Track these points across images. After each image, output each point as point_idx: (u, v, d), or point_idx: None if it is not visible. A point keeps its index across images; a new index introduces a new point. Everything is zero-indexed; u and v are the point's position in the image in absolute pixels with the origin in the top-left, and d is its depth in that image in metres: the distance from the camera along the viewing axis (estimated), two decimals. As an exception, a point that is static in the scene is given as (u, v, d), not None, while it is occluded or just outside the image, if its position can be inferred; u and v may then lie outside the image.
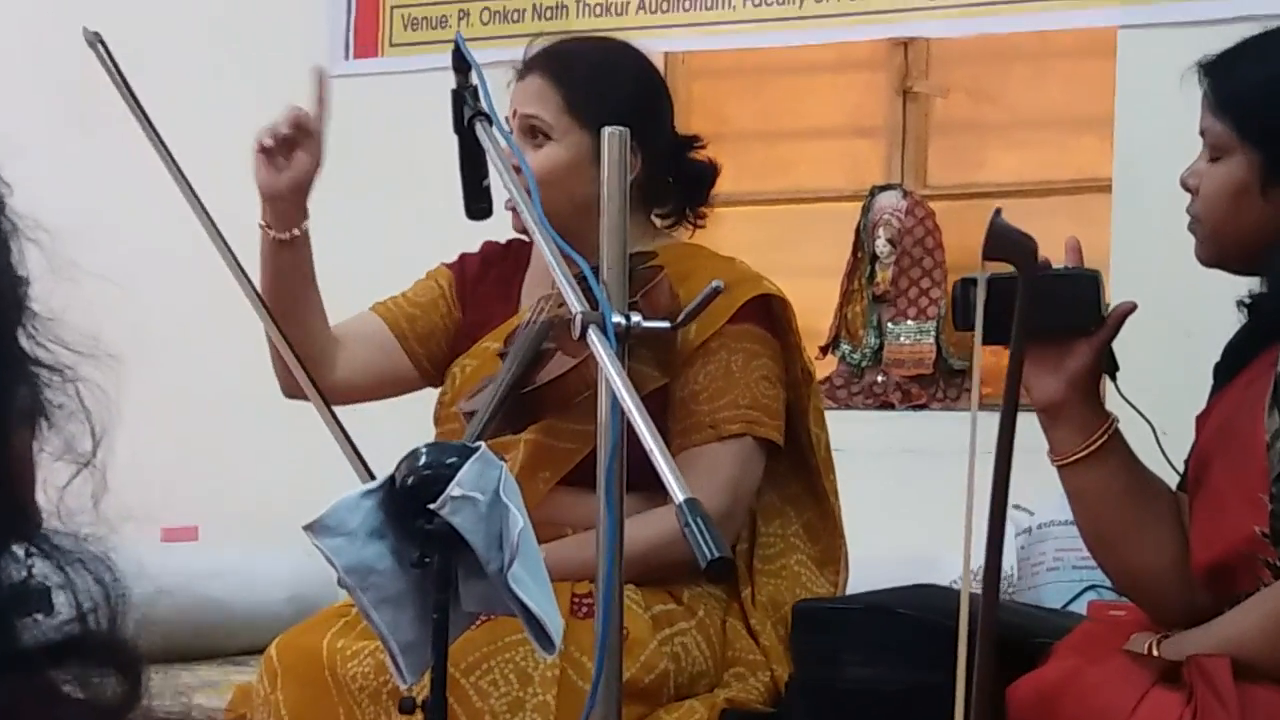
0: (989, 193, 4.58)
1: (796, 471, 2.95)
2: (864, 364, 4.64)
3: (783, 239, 4.82)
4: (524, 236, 2.91)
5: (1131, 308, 2.46)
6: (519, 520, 2.12)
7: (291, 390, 2.92)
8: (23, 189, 0.82)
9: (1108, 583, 2.86)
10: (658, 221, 2.96)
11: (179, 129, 4.94)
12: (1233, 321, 2.51)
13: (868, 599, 2.83)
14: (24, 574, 0.78)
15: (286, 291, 2.85)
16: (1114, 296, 2.53)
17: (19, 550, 0.77)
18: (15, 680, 0.74)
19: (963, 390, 4.54)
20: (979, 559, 1.76)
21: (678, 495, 1.91)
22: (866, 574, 3.02)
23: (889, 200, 4.62)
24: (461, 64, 2.56)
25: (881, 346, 4.62)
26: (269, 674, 2.71)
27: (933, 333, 4.56)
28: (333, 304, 2.96)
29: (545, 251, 2.34)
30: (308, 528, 2.17)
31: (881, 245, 4.59)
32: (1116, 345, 2.49)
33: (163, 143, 2.74)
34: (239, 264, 2.71)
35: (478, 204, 2.67)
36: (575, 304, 2.21)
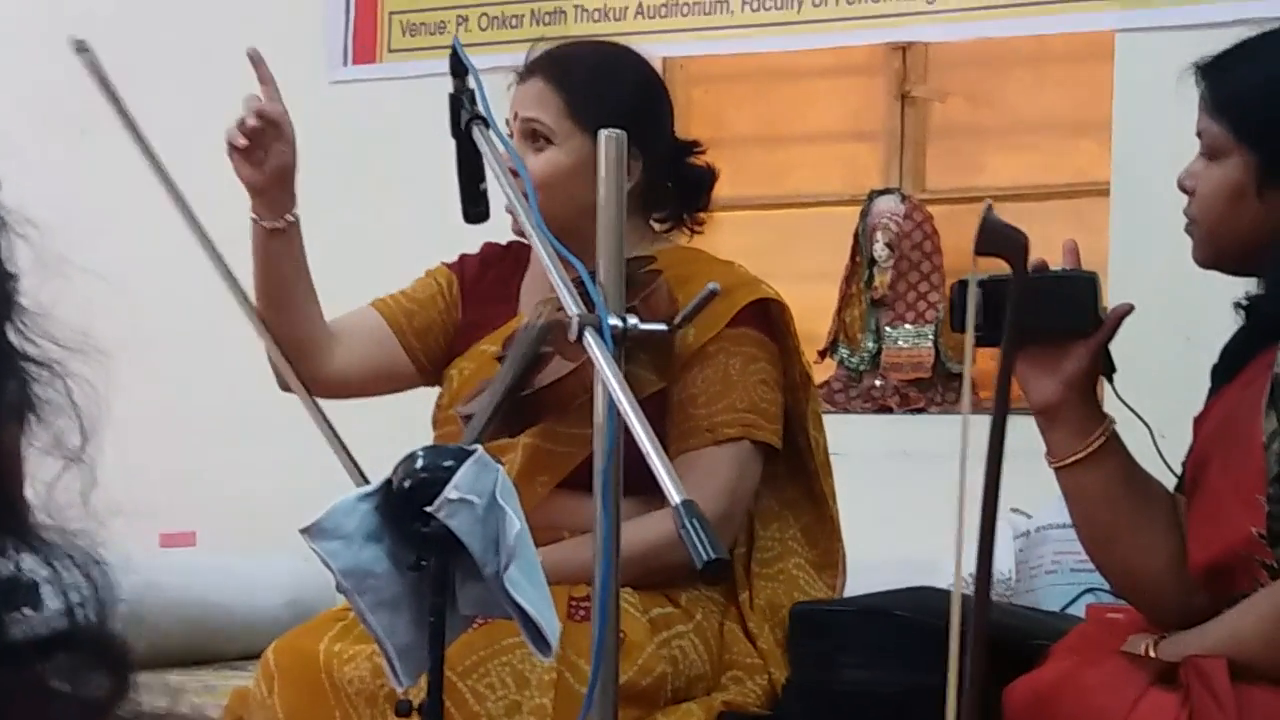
0: (987, 197, 4.57)
1: (795, 475, 2.95)
2: (862, 368, 4.65)
3: (781, 243, 4.83)
4: (524, 239, 2.92)
5: (1129, 309, 2.47)
6: (516, 523, 2.12)
7: (287, 383, 2.93)
8: (15, 185, 0.82)
9: (1106, 586, 2.86)
10: (656, 226, 2.96)
11: (177, 134, 4.95)
12: (1231, 325, 2.51)
13: (865, 601, 2.83)
14: (12, 569, 0.78)
15: (281, 280, 2.86)
16: (1112, 300, 2.53)
17: (7, 545, 0.78)
18: (3, 675, 0.74)
19: (961, 394, 4.54)
20: (974, 562, 1.76)
21: (674, 497, 1.91)
22: (865, 578, 3.02)
23: (887, 204, 4.63)
24: (459, 68, 2.56)
25: (880, 350, 4.62)
26: (266, 677, 2.71)
27: (931, 337, 4.56)
28: (331, 309, 2.96)
29: (542, 255, 2.35)
30: (304, 531, 2.17)
31: (880, 249, 4.59)
32: (1114, 348, 2.49)
33: (151, 150, 2.74)
34: (227, 267, 2.72)
35: (475, 208, 2.67)
36: (572, 307, 2.21)
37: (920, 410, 4.59)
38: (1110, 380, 2.52)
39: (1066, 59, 4.65)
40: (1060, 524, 3.52)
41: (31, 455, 0.80)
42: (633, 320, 2.24)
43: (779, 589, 2.89)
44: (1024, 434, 2.49)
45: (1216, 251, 2.49)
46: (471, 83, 2.56)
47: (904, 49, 4.74)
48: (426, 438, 2.88)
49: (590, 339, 2.17)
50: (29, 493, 0.80)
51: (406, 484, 2.16)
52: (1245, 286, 2.50)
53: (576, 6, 4.81)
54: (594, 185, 2.33)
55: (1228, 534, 2.35)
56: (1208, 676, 2.25)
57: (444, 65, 2.60)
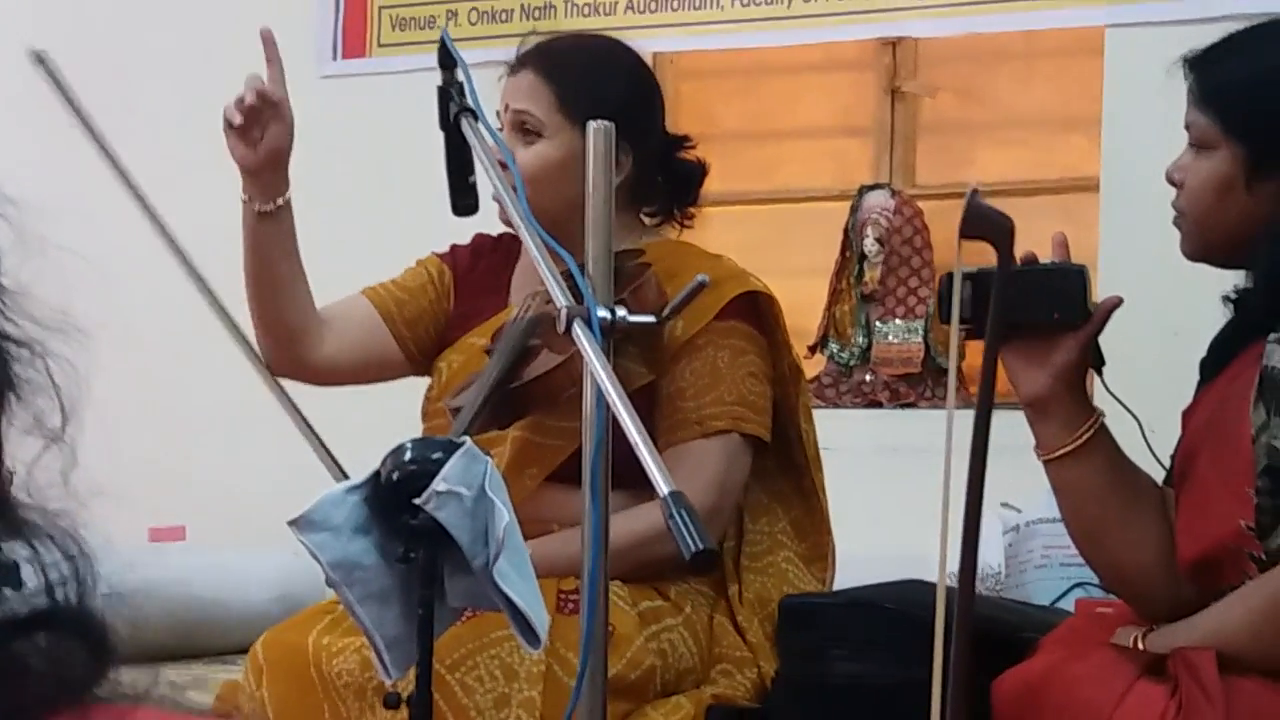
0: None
1: (784, 468, 2.95)
2: (852, 363, 4.64)
3: (771, 239, 4.82)
4: (512, 229, 2.91)
5: (1118, 302, 2.47)
6: (504, 515, 2.12)
7: (278, 367, 2.93)
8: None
9: (1095, 580, 2.87)
10: (646, 220, 2.96)
11: (166, 128, 4.96)
12: (1219, 319, 2.51)
13: (854, 594, 2.83)
14: None
15: (271, 263, 2.86)
16: (1101, 295, 2.53)
17: None
18: (-17, 653, 0.74)
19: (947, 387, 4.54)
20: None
21: (662, 488, 1.91)
22: (854, 571, 3.01)
23: (877, 200, 4.62)
24: (447, 60, 2.56)
25: (870, 345, 4.62)
26: (254, 671, 2.71)
27: (921, 332, 4.56)
28: (321, 304, 2.96)
29: (531, 247, 2.35)
30: (293, 523, 2.17)
31: (870, 245, 4.59)
32: (1103, 342, 2.49)
33: (114, 157, 2.75)
34: (196, 270, 2.74)
35: (464, 200, 2.67)
36: (560, 299, 2.21)
37: (910, 405, 4.59)
38: (1099, 373, 2.52)
39: (1056, 54, 4.65)
40: (1050, 519, 3.53)
41: (11, 435, 0.80)
42: (621, 312, 2.24)
43: (768, 582, 2.89)
44: (1013, 428, 2.49)
45: (1205, 244, 2.50)
46: (460, 75, 2.56)
47: (894, 44, 4.74)
48: (416, 430, 2.88)
49: (579, 331, 2.17)
50: (8, 472, 0.80)
51: (395, 476, 2.16)
52: (1234, 280, 2.50)
53: (566, 1, 4.81)
54: (584, 179, 2.32)
55: (1216, 527, 2.35)
56: (1196, 668, 2.25)
57: (434, 60, 2.60)
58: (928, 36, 4.63)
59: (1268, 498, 2.29)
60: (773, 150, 5.04)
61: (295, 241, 2.87)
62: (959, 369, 4.08)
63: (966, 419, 1.79)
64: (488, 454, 2.22)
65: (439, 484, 2.11)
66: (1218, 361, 2.49)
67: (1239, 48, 2.48)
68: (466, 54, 2.58)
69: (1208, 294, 2.54)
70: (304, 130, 2.86)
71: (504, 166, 2.58)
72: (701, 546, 1.87)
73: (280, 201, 2.84)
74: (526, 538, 2.21)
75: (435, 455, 2.14)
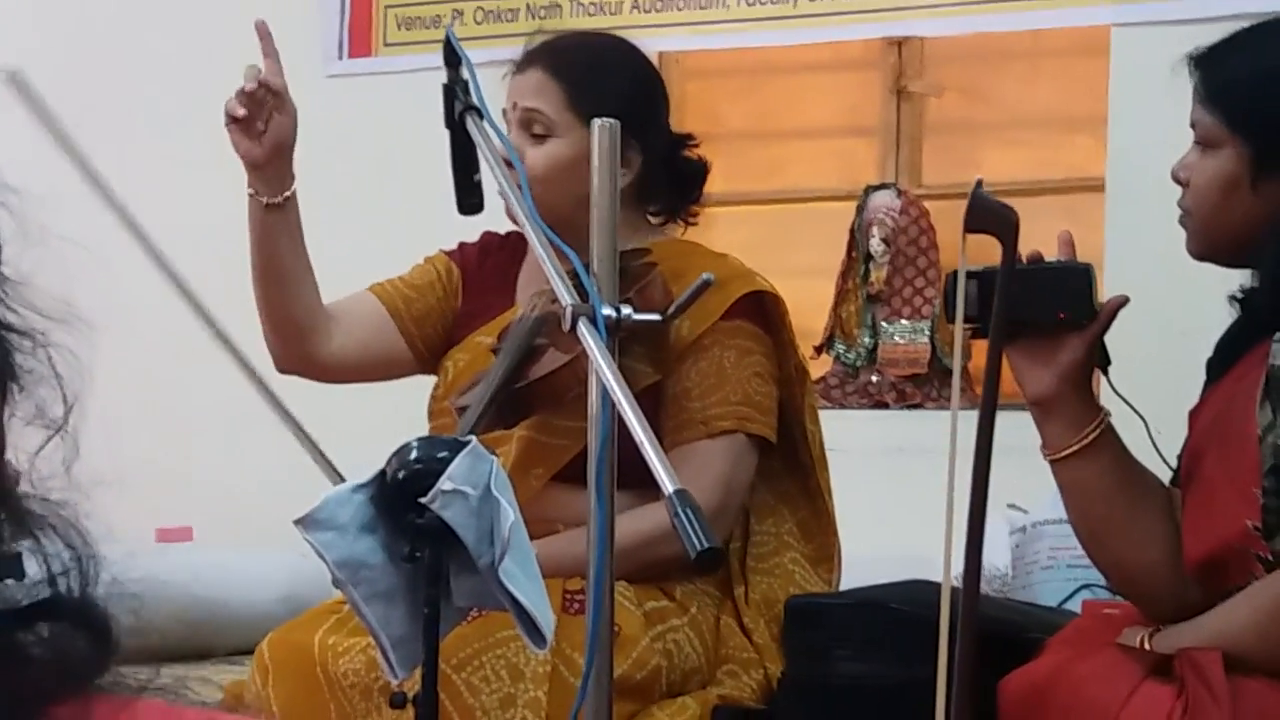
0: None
1: (790, 469, 2.94)
2: (858, 363, 4.64)
3: (777, 239, 4.82)
4: (518, 226, 2.91)
5: (1124, 301, 2.47)
6: (510, 514, 2.11)
7: (285, 363, 2.92)
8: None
9: (1102, 581, 2.86)
10: (652, 219, 2.96)
11: (171, 128, 4.95)
12: (1225, 318, 2.51)
13: (860, 595, 2.82)
14: None
15: (278, 257, 2.85)
16: (1107, 295, 2.53)
17: None
18: (-16, 643, 0.74)
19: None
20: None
21: (667, 486, 1.91)
22: (860, 572, 3.01)
23: (883, 199, 4.62)
24: (452, 58, 2.56)
25: (876, 346, 4.61)
26: (260, 670, 2.71)
27: (927, 332, 4.56)
28: (327, 302, 2.96)
29: (536, 246, 2.34)
30: (299, 522, 2.16)
31: (876, 245, 4.59)
32: (1109, 342, 2.49)
33: (95, 176, 2.75)
34: (179, 279, 2.74)
35: (469, 199, 2.67)
36: (566, 297, 2.21)
37: (916, 406, 4.58)
38: (1105, 373, 2.52)
39: (1062, 54, 4.65)
40: (1056, 519, 3.52)
41: (14, 425, 0.80)
42: (626, 311, 2.24)
43: (774, 583, 2.88)
44: (1020, 429, 2.49)
45: (1210, 243, 2.49)
46: (465, 73, 2.56)
47: (900, 44, 4.74)
48: (421, 429, 2.88)
49: (584, 329, 2.17)
50: (12, 468, 0.80)
51: (401, 475, 2.16)
52: (1240, 280, 2.50)
53: (572, 0, 4.81)
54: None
55: (1223, 527, 2.34)
56: (1202, 669, 2.25)
57: (439, 59, 2.60)
58: (933, 36, 4.63)
59: (1274, 498, 2.29)
60: (778, 150, 5.03)
61: (302, 235, 2.87)
62: (965, 370, 4.07)
63: (972, 420, 1.79)
64: (493, 453, 2.21)
65: (445, 483, 2.10)
66: (1224, 361, 2.48)
67: (1244, 46, 2.48)
68: (472, 53, 2.57)
69: (1214, 293, 2.53)
70: (310, 129, 2.86)
71: (510, 166, 2.58)
72: (707, 545, 1.86)
73: (286, 194, 2.83)
74: (532, 537, 2.21)
75: (441, 454, 2.14)
